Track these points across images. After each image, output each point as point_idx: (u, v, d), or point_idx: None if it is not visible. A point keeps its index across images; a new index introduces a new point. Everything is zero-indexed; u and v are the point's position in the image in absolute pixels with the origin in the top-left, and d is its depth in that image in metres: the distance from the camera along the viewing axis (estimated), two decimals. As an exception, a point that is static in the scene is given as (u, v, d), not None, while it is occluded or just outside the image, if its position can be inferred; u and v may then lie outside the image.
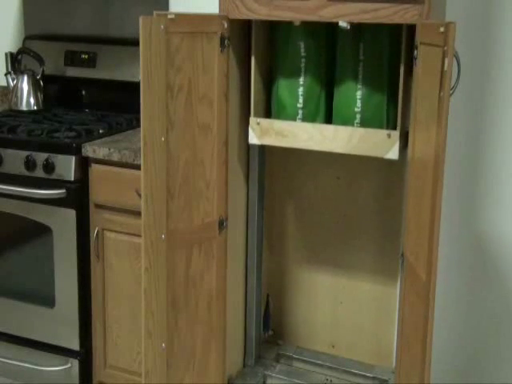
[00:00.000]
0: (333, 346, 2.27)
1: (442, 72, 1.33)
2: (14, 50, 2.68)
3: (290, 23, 1.86)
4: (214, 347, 1.97)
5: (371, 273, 2.17)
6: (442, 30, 1.34)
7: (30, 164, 2.14)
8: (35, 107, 2.59)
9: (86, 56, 2.61)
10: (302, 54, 1.88)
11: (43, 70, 2.61)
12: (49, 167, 2.12)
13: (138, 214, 1.89)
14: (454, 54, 1.33)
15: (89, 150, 2.10)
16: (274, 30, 1.94)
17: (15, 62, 2.63)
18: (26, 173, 2.15)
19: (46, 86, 2.63)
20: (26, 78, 2.58)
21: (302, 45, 1.87)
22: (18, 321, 2.31)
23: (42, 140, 2.17)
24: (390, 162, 1.87)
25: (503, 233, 2.14)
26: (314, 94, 1.90)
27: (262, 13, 1.79)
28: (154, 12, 1.62)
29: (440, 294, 2.10)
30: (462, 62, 1.67)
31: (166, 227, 1.74)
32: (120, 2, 2.58)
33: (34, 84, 2.59)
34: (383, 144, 1.79)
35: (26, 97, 2.59)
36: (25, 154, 2.15)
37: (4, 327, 2.34)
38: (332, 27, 1.86)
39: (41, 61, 2.60)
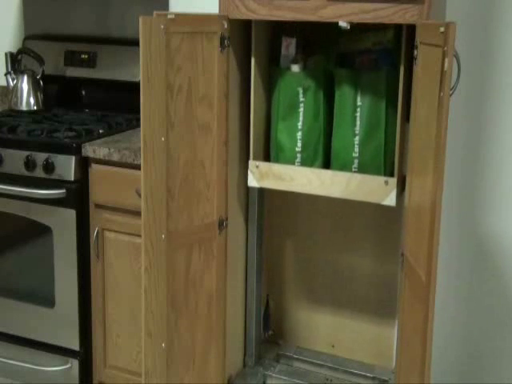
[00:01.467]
0: (333, 346, 2.27)
1: (442, 72, 1.33)
2: (14, 50, 2.68)
3: (288, 69, 1.89)
4: (214, 347, 1.97)
5: (371, 274, 2.17)
6: (442, 30, 1.34)
7: (29, 164, 2.14)
8: (35, 107, 2.59)
9: (86, 56, 2.60)
10: (301, 99, 1.89)
11: (43, 70, 2.61)
12: (49, 167, 2.12)
13: (138, 213, 1.89)
14: (454, 54, 1.33)
15: (89, 150, 2.10)
16: (273, 75, 1.94)
17: (15, 62, 2.62)
18: (26, 173, 2.15)
19: (46, 86, 2.63)
20: (25, 78, 2.58)
21: (301, 90, 1.88)
22: (17, 321, 2.31)
23: (41, 140, 2.17)
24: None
25: (503, 233, 2.14)
26: (313, 139, 1.90)
27: (262, 13, 1.79)
28: (154, 12, 1.62)
29: (440, 294, 2.10)
30: (462, 62, 1.67)
31: (166, 227, 1.74)
32: (120, 2, 2.58)
33: (34, 84, 2.59)
34: (380, 190, 1.80)
35: (26, 97, 2.58)
36: (25, 154, 2.15)
37: (4, 327, 2.34)
38: (330, 76, 1.88)
39: (41, 61, 2.60)
